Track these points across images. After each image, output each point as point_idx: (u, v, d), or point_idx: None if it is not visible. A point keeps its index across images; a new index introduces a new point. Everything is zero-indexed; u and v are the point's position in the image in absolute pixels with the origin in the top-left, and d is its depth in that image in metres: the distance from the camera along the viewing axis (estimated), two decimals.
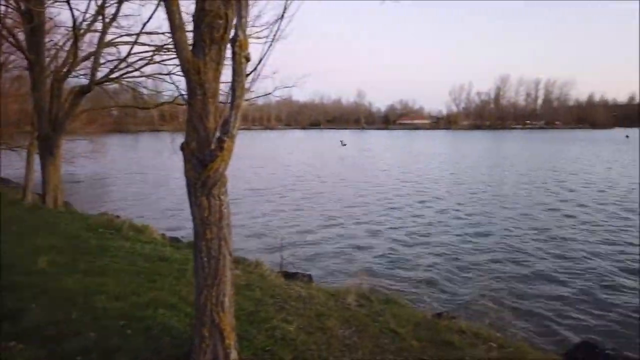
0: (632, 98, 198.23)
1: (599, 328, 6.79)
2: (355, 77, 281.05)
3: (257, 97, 9.55)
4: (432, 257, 10.55)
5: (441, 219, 15.19)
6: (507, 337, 5.16)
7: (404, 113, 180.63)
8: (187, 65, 3.33)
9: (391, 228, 13.85)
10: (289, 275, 7.92)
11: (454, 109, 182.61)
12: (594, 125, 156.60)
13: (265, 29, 5.72)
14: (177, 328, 4.27)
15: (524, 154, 45.48)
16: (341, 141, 60.51)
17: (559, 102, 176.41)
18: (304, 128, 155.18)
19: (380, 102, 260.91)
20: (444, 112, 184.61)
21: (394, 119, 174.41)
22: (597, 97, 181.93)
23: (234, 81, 3.30)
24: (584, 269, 9.72)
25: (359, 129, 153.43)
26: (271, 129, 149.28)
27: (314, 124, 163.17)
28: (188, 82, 3.37)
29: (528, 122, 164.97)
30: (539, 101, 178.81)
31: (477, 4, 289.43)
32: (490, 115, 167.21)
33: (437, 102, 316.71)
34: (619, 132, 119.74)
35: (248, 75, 3.37)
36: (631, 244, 11.71)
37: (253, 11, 5.67)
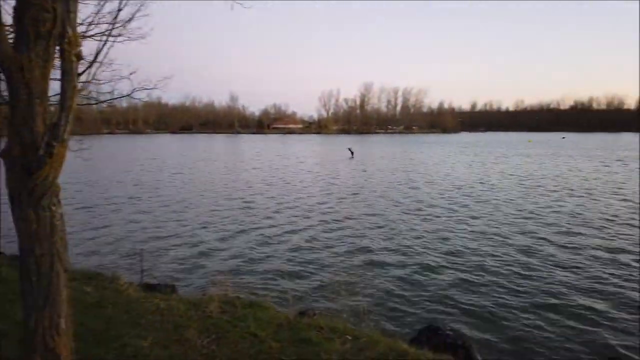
0: (473, 105, 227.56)
1: (442, 311, 7.61)
2: (228, 82, 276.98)
3: (113, 99, 8.79)
4: (298, 257, 10.78)
5: (304, 217, 15.61)
6: (362, 328, 5.51)
7: (277, 117, 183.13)
8: (8, 62, 2.96)
9: (256, 228, 13.79)
10: (150, 288, 7.48)
11: (324, 114, 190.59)
12: (445, 129, 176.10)
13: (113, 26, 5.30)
14: (8, 358, 3.77)
15: (375, 153, 49.27)
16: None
17: (414, 108, 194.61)
18: (174, 132, 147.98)
19: (254, 106, 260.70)
20: (315, 117, 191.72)
21: (268, 123, 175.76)
22: (446, 105, 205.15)
23: (63, 81, 3.02)
24: (426, 258, 10.80)
25: (232, 133, 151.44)
26: (138, 133, 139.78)
27: (186, 128, 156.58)
28: (9, 81, 3.00)
29: (389, 127, 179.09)
30: (398, 108, 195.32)
31: (348, 14, 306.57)
32: (357, 120, 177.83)
33: (309, 108, 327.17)
34: (465, 136, 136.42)
35: (80, 74, 3.11)
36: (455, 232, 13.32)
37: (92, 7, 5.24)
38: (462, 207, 17.32)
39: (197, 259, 10.67)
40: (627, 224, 14.03)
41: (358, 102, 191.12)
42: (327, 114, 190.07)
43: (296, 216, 15.75)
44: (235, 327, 5.04)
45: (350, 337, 4.96)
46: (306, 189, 22.56)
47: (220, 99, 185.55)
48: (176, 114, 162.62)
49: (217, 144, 79.73)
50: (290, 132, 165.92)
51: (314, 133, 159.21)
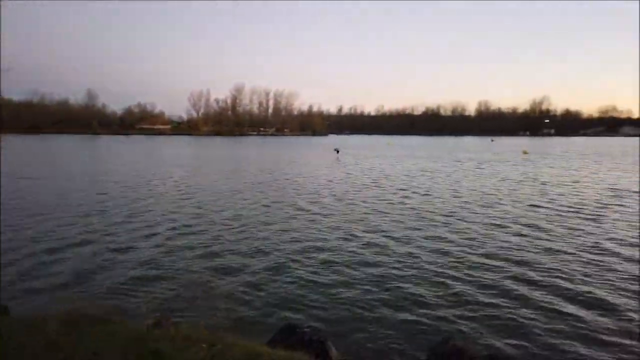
0: (340, 109, 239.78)
1: (300, 308, 7.84)
2: (85, 79, 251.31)
3: None
4: (152, 263, 10.12)
5: (157, 223, 14.87)
6: (220, 333, 5.43)
7: (143, 117, 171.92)
8: None
9: (105, 235, 12.67)
10: None
11: (195, 114, 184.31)
12: (314, 132, 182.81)
13: None
14: None
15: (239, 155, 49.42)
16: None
17: (286, 111, 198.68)
18: (19, 133, 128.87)
19: (116, 104, 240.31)
20: (185, 117, 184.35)
21: (132, 123, 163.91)
22: (315, 108, 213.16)
23: None
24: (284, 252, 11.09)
25: (89, 133, 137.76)
26: None
27: (33, 128, 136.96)
28: None
29: (262, 128, 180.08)
30: (270, 110, 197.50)
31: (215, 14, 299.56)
32: (229, 122, 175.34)
33: (178, 108, 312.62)
34: (332, 138, 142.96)
35: None
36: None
37: None
38: (313, 205, 17.99)
39: (35, 272, 9.43)
40: (457, 217, 15.95)
41: (230, 103, 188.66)
42: (198, 114, 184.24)
43: (148, 221, 14.83)
44: (76, 349, 4.60)
45: (205, 345, 4.85)
46: (150, 194, 21.51)
47: (77, 97, 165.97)
48: (23, 113, 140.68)
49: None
50: (159, 133, 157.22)
51: (184, 134, 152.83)
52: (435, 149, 75.13)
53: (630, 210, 17.16)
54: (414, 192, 22.03)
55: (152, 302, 7.70)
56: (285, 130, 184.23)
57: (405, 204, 18.83)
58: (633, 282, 9.01)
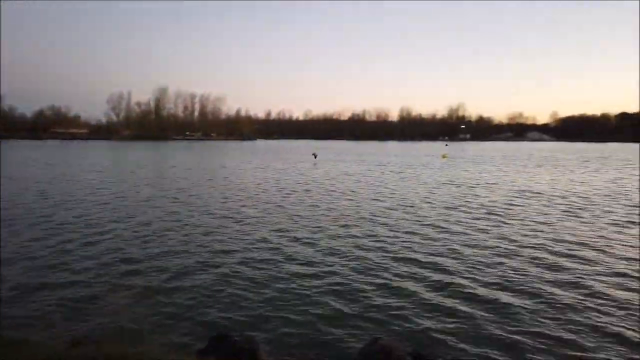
0: (268, 114, 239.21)
1: (233, 316, 7.78)
2: None
3: None
4: (68, 274, 9.53)
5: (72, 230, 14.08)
6: (147, 347, 5.32)
7: (57, 121, 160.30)
8: None
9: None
10: None
11: (114, 118, 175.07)
12: (242, 136, 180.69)
13: None
14: None
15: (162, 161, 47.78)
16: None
17: (213, 115, 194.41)
18: None
19: (25, 107, 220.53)
20: (104, 120, 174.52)
21: (45, 127, 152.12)
22: (243, 112, 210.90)
23: None
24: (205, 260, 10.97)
25: None
26: None
27: None
28: None
29: (188, 133, 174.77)
30: (196, 114, 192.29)
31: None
32: (152, 126, 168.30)
33: (96, 110, 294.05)
34: (261, 143, 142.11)
35: None
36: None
37: None
38: (232, 209, 18.01)
39: None
40: (379, 219, 16.67)
41: (153, 106, 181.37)
42: (118, 117, 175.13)
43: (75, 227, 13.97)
44: None
45: None
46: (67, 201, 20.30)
47: None
48: None
49: None
50: (75, 137, 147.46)
51: (102, 139, 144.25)
52: (360, 152, 77.32)
53: (533, 209, 18.77)
54: (339, 193, 22.68)
55: (72, 320, 7.28)
56: (212, 134, 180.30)
57: (331, 207, 19.25)
58: (524, 278, 9.98)
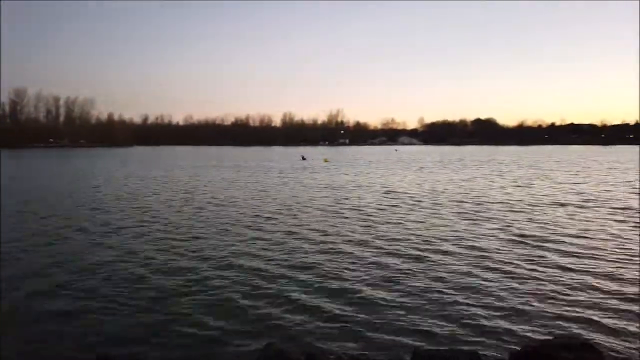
0: (145, 119, 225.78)
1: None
2: None
3: None
4: None
5: None
6: None
7: None
8: None
9: None
10: None
11: None
12: (116, 143, 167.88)
13: None
14: None
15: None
16: None
17: (81, 120, 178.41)
18: None
19: None
20: None
21: None
22: (116, 117, 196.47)
23: None
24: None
25: None
26: None
27: None
28: None
29: (52, 140, 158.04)
30: (61, 119, 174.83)
31: None
32: (7, 132, 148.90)
33: None
34: (137, 150, 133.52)
35: None
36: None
37: None
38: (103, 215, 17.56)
39: None
40: (258, 224, 17.51)
41: (8, 111, 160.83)
42: None
43: None
44: None
45: None
46: None
47: None
48: None
49: None
50: None
51: None
52: (243, 158, 77.24)
53: (401, 210, 20.64)
54: (219, 201, 22.77)
55: None
56: (82, 141, 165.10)
57: (208, 216, 19.17)
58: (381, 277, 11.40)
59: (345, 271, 10.95)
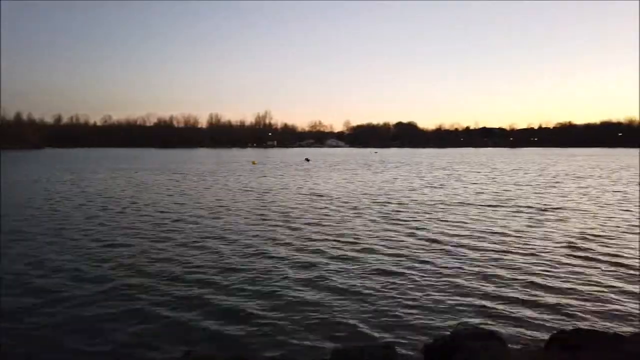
0: (58, 119, 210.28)
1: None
2: None
3: None
4: None
5: None
6: None
7: None
8: None
9: None
10: None
11: None
12: (24, 145, 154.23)
13: None
14: None
15: None
16: None
17: None
18: None
19: None
20: None
21: None
22: (25, 116, 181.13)
23: None
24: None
25: None
26: None
27: None
28: None
29: None
30: None
31: None
32: None
33: None
34: (49, 152, 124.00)
35: None
36: None
37: None
38: None
39: None
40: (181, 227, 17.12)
41: None
42: None
43: None
44: None
45: None
46: None
47: None
48: None
49: None
50: None
51: None
52: (167, 161, 74.62)
53: (323, 211, 21.00)
54: (140, 205, 21.93)
55: None
56: None
57: (125, 220, 18.48)
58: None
59: (267, 273, 10.99)
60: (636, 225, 17.10)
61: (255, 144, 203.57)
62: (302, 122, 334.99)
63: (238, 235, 15.36)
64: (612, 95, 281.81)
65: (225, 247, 13.76)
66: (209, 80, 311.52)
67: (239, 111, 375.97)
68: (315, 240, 14.68)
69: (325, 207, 22.19)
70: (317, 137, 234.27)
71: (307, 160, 66.62)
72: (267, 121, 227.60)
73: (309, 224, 17.62)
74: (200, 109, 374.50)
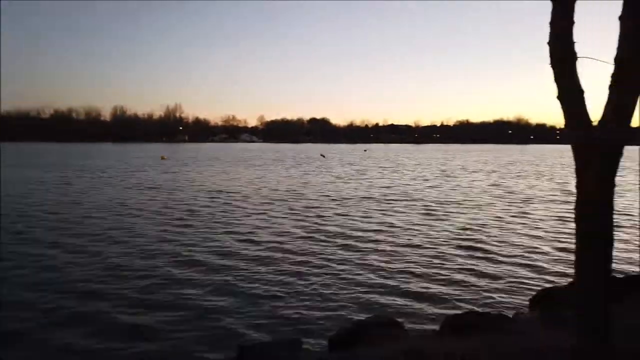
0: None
1: None
2: None
3: None
4: None
5: None
6: None
7: None
8: None
9: None
10: None
11: None
12: None
13: None
14: None
15: None
16: None
17: None
18: None
19: None
20: None
21: None
22: None
23: None
24: None
25: None
26: None
27: None
28: None
29: None
30: None
31: None
32: None
33: None
34: None
35: None
36: None
37: None
38: None
39: None
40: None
41: None
42: None
43: None
44: None
45: None
46: None
47: None
48: None
49: None
50: None
51: None
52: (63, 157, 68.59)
53: (221, 208, 20.90)
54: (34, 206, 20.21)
55: None
56: None
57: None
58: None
59: (170, 274, 10.80)
60: (517, 216, 19.20)
61: (165, 139, 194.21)
62: (214, 116, 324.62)
63: (140, 238, 14.71)
64: (505, 96, 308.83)
65: (117, 248, 13.24)
66: (114, 71, 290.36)
67: (147, 104, 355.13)
68: (218, 240, 14.44)
69: (221, 205, 21.94)
70: (231, 132, 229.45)
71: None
72: (177, 115, 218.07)
73: (207, 222, 17.37)
74: (104, 102, 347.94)
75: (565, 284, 8.66)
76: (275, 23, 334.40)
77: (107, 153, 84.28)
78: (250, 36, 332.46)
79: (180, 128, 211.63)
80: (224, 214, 19.41)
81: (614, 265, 3.80)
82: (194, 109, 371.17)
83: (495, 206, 22.22)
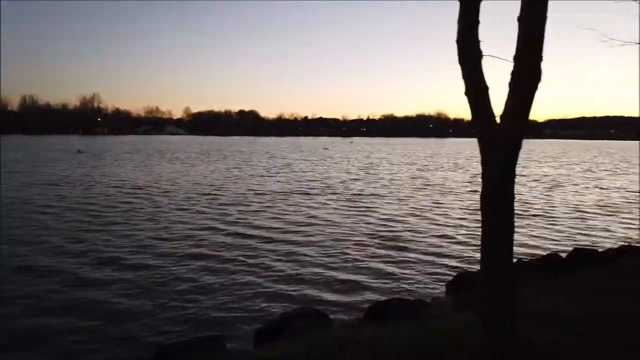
0: None
1: None
2: None
3: None
4: None
5: None
6: None
7: None
8: None
9: None
10: None
11: None
12: None
13: None
14: None
15: None
16: None
17: None
18: None
19: None
20: None
21: None
22: None
23: None
24: None
25: None
26: None
27: None
28: None
29: None
30: None
31: None
32: None
33: None
34: None
35: None
36: None
37: None
38: None
39: None
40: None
41: None
42: None
43: None
44: None
45: None
46: None
47: None
48: None
49: None
50: None
51: None
52: None
53: (146, 205, 19.88)
54: None
55: None
56: None
57: None
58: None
59: (80, 274, 10.33)
60: (434, 207, 20.28)
61: (81, 131, 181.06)
62: (137, 107, 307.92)
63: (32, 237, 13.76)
64: (426, 91, 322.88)
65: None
66: (23, 58, 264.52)
67: (62, 94, 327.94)
68: (134, 238, 13.86)
69: (136, 202, 21.04)
70: (155, 124, 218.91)
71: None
72: (95, 105, 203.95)
73: (117, 222, 16.39)
74: (10, 91, 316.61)
75: (478, 269, 9.30)
76: (197, 15, 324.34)
77: (16, 146, 76.98)
78: (169, 22, 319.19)
79: (99, 119, 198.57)
80: (142, 209, 18.64)
81: (517, 250, 4.07)
82: (115, 100, 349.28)
83: (414, 198, 23.24)
